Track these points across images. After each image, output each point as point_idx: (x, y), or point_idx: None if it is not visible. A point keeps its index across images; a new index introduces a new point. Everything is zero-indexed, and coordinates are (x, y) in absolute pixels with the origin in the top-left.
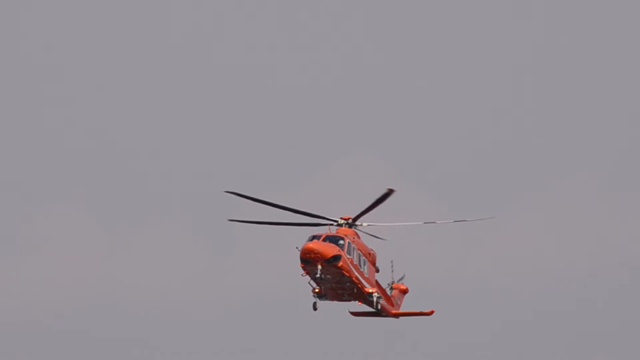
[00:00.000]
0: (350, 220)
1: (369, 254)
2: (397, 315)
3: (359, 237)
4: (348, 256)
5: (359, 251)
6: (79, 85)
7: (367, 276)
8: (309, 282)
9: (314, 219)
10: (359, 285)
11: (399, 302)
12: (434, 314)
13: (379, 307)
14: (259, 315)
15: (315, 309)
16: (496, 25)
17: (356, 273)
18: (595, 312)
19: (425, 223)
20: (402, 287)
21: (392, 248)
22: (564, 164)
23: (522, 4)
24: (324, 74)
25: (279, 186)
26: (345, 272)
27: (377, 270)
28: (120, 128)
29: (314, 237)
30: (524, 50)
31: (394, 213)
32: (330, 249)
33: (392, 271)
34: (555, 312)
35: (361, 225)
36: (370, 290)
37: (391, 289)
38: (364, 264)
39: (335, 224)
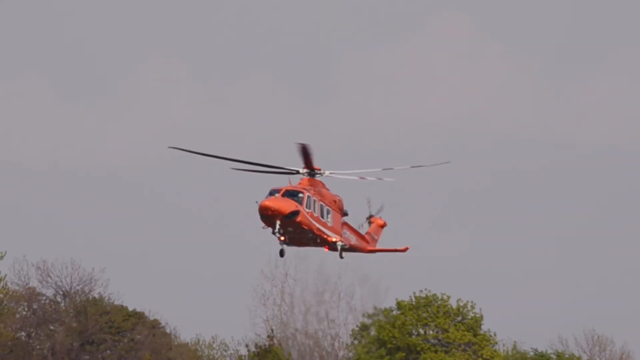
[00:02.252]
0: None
1: (334, 201)
2: (372, 252)
3: (323, 186)
4: (307, 210)
5: (320, 202)
6: None
7: (330, 225)
8: (272, 233)
9: (276, 169)
10: (322, 236)
11: (375, 237)
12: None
13: (343, 255)
14: None
15: (282, 255)
16: None
17: (317, 225)
18: None
19: (383, 169)
20: (379, 221)
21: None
22: None
23: None
24: None
25: None
26: (304, 227)
27: (346, 214)
28: None
29: (272, 192)
30: None
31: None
32: (287, 205)
33: (369, 207)
34: None
35: (323, 173)
36: (334, 240)
37: (369, 222)
38: (327, 214)
39: (297, 173)
